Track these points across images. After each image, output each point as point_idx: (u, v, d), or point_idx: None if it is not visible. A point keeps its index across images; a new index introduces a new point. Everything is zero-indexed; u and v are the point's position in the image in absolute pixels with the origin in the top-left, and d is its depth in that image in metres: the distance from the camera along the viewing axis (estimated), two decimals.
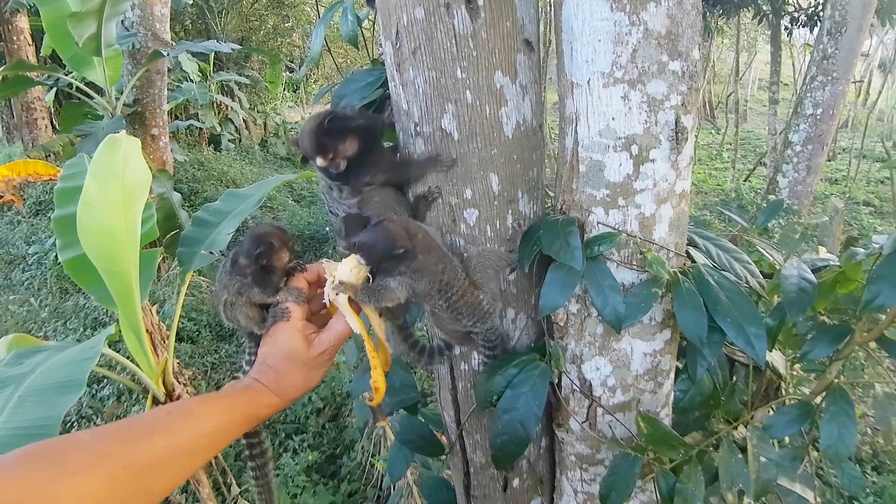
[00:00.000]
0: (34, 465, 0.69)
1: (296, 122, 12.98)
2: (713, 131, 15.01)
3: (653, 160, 1.04)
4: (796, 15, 8.65)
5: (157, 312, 3.69)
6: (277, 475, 3.51)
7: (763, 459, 1.17)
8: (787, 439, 1.41)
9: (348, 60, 12.41)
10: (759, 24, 9.68)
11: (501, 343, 1.24)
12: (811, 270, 1.16)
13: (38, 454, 0.71)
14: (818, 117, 5.36)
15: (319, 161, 1.10)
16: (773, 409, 1.46)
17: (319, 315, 1.09)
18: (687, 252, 1.18)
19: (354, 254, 1.02)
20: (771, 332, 1.17)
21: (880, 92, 14.21)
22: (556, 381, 1.27)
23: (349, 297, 1.02)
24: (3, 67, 5.39)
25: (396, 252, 1.01)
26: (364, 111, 1.21)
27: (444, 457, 1.54)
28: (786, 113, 11.19)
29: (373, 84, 1.22)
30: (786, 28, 8.99)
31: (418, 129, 1.14)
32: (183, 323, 5.04)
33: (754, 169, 11.39)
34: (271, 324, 1.02)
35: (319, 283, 1.08)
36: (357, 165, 1.13)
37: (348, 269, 1.00)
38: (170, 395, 2.77)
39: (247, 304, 1.06)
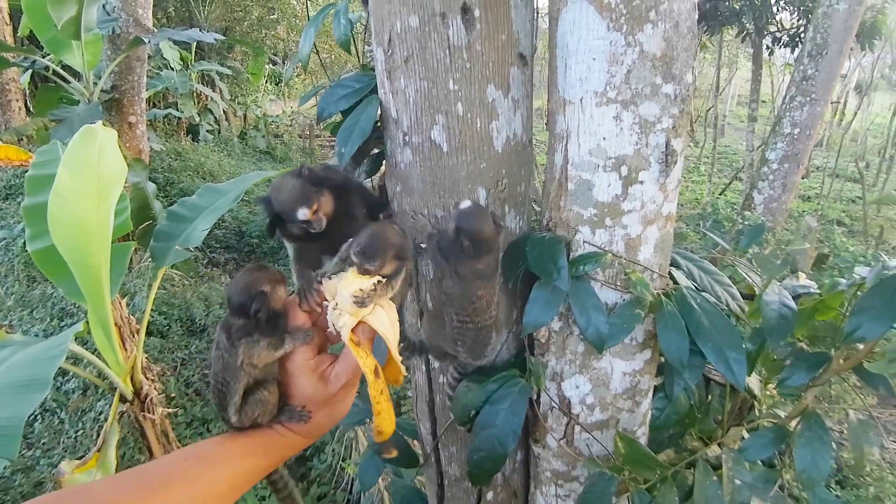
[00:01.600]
0: None
1: (276, 116, 12.83)
2: (691, 144, 15.25)
3: (641, 182, 1.03)
4: (779, 35, 8.81)
5: (128, 305, 3.62)
6: None
7: (737, 482, 1.18)
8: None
9: (332, 56, 12.32)
10: (741, 41, 9.84)
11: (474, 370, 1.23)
12: (791, 297, 1.18)
13: None
14: (795, 137, 5.48)
15: (303, 213, 0.99)
16: (745, 428, 1.48)
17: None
18: (670, 273, 1.18)
19: (353, 267, 0.89)
20: (750, 357, 1.17)
21: (855, 113, 14.54)
22: (534, 397, 1.26)
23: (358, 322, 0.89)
24: None
25: (478, 239, 0.97)
26: (335, 168, 1.11)
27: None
28: (763, 130, 11.42)
29: (361, 91, 1.19)
30: (767, 47, 9.15)
31: (407, 138, 1.12)
32: (153, 317, 4.94)
33: (729, 183, 11.57)
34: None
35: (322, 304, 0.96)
36: (334, 225, 1.04)
37: (349, 293, 0.86)
38: (137, 393, 2.70)
39: (269, 374, 0.91)
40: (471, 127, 1.07)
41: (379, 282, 0.88)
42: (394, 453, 1.02)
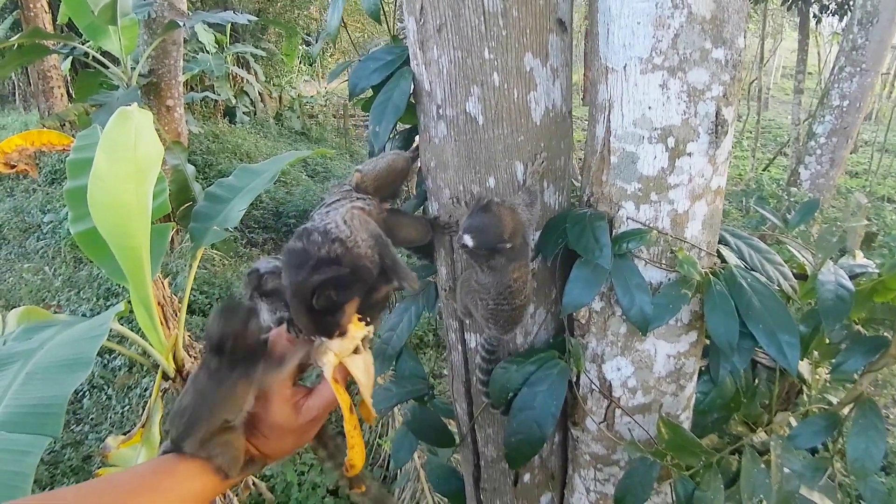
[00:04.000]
0: None
1: (311, 97, 12.88)
2: None
3: (689, 154, 0.98)
4: (826, 3, 8.40)
5: (170, 285, 3.69)
6: None
7: (786, 470, 1.13)
8: None
9: (366, 35, 12.25)
10: (787, 10, 9.42)
11: (501, 350, 1.20)
12: (848, 277, 1.11)
13: None
14: (844, 109, 5.24)
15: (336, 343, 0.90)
16: (793, 415, 1.42)
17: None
18: (718, 251, 1.13)
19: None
20: (804, 341, 1.11)
21: None
22: (574, 379, 1.22)
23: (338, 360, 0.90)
24: (18, 35, 5.35)
25: (501, 245, 0.95)
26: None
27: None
28: (810, 103, 10.97)
29: (392, 63, 1.15)
30: (814, 16, 8.74)
31: (441, 111, 1.08)
32: (195, 296, 5.05)
33: (774, 158, 11.18)
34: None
35: None
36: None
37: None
38: (179, 371, 2.76)
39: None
40: (507, 98, 1.03)
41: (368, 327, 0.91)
42: (363, 488, 1.03)
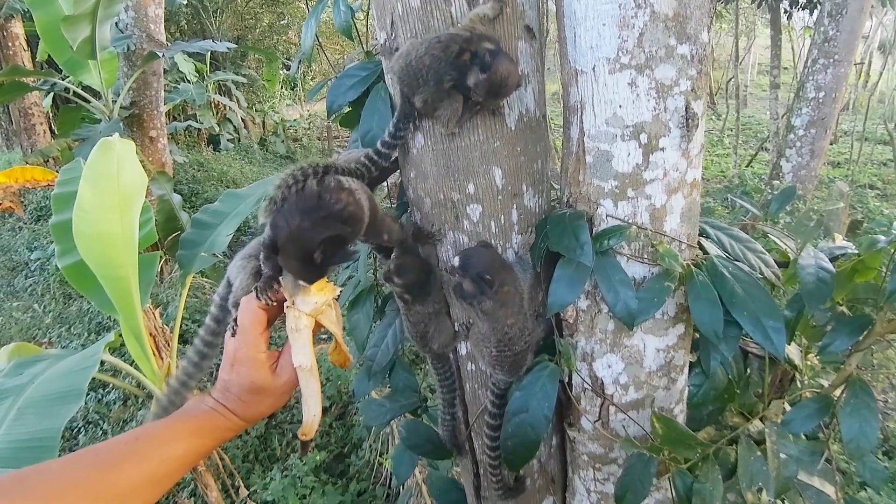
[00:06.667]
0: (5, 499, 0.67)
1: (294, 120, 12.92)
2: (714, 117, 14.92)
3: (662, 148, 1.00)
4: None
5: (161, 315, 3.67)
6: (286, 476, 3.48)
7: (783, 456, 1.13)
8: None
9: (344, 56, 12.34)
10: (758, 7, 9.58)
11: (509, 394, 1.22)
12: (828, 259, 1.12)
13: (8, 486, 0.69)
14: (820, 100, 5.33)
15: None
16: (787, 402, 1.43)
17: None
18: (699, 243, 1.14)
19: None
20: (789, 325, 1.13)
21: (881, 74, 14.05)
22: (566, 379, 1.23)
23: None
24: None
25: (485, 276, 1.02)
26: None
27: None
28: (787, 97, 11.11)
29: (367, 79, 1.17)
30: (785, 11, 8.89)
31: (417, 122, 1.09)
32: (187, 325, 5.01)
33: (756, 154, 11.30)
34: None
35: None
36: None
37: (311, 299, 0.92)
38: None
39: None
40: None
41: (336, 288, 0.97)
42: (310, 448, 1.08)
